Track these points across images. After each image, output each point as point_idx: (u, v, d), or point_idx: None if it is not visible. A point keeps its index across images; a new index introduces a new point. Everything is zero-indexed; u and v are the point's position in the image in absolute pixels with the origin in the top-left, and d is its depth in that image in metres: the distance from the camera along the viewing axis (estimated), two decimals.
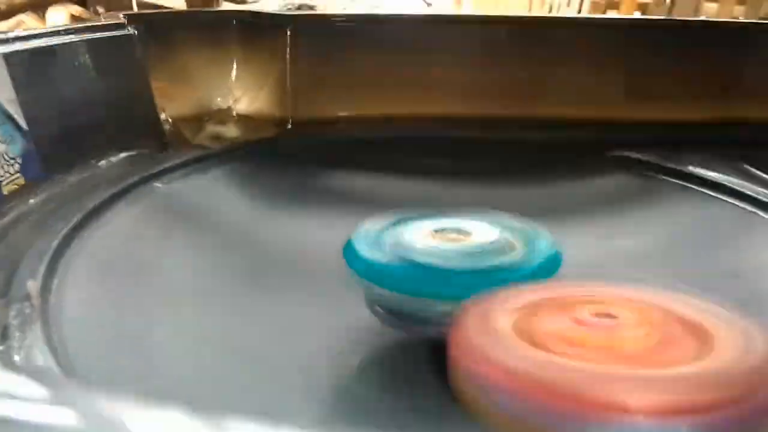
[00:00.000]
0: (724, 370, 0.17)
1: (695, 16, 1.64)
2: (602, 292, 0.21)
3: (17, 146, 0.40)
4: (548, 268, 0.28)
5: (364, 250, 0.28)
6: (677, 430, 0.16)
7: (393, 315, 0.29)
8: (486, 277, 0.27)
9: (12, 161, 0.40)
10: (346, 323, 0.34)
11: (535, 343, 0.19)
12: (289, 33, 0.56)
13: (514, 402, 0.17)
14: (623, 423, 0.16)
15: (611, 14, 1.77)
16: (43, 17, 1.21)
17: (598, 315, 0.20)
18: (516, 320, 0.20)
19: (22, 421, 0.12)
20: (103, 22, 0.52)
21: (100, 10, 1.14)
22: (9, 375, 0.15)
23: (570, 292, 0.22)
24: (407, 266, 0.27)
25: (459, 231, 0.30)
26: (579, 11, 1.82)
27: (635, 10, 1.76)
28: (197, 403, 0.27)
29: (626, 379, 0.17)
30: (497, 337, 0.19)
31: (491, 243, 0.29)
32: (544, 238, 0.29)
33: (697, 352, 0.18)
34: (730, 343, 0.18)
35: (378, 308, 0.30)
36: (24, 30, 0.44)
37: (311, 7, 0.90)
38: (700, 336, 0.19)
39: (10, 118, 0.40)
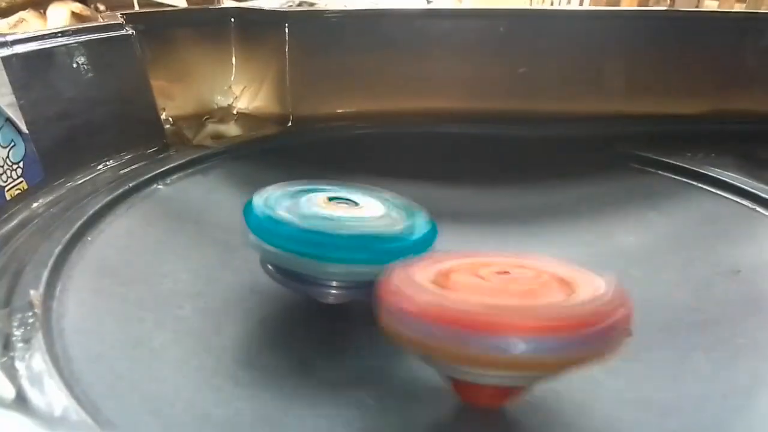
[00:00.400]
0: (582, 305, 0.23)
1: None
2: (500, 259, 0.27)
3: (19, 151, 0.40)
4: (424, 242, 0.31)
5: (261, 209, 0.31)
6: (551, 344, 0.22)
7: (283, 274, 0.32)
8: (368, 244, 0.30)
9: (15, 166, 0.40)
10: (348, 323, 0.34)
11: (445, 289, 0.24)
12: (287, 29, 0.56)
13: (421, 327, 0.23)
14: (509, 339, 0.22)
15: None
16: (44, 15, 1.20)
17: (497, 273, 0.26)
18: (433, 275, 0.25)
19: None
20: (101, 22, 0.51)
21: (101, 7, 1.14)
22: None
23: (478, 259, 0.27)
24: (296, 228, 0.29)
25: (350, 202, 0.32)
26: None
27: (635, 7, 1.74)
28: (196, 408, 0.27)
29: (512, 308, 0.23)
30: (415, 283, 0.24)
31: (377, 216, 0.32)
32: (422, 216, 0.33)
33: (564, 294, 0.24)
34: (587, 290, 0.24)
35: (269, 266, 0.32)
36: (22, 32, 0.44)
37: (312, 4, 0.90)
38: (568, 285, 0.25)
39: (11, 123, 0.40)
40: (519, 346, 0.22)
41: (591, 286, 0.24)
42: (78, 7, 1.17)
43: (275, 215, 0.30)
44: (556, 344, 0.22)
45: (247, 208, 0.31)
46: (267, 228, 0.30)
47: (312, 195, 0.32)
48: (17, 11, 1.18)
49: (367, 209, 0.32)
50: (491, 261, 0.27)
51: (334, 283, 0.31)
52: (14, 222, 0.38)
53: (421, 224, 0.32)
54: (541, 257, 0.27)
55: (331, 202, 0.32)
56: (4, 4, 1.18)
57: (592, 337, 0.22)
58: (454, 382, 0.26)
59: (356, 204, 0.32)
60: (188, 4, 1.02)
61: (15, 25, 1.14)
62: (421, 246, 0.31)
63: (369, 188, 0.35)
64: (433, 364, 0.25)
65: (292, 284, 0.32)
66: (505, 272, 0.26)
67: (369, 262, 0.29)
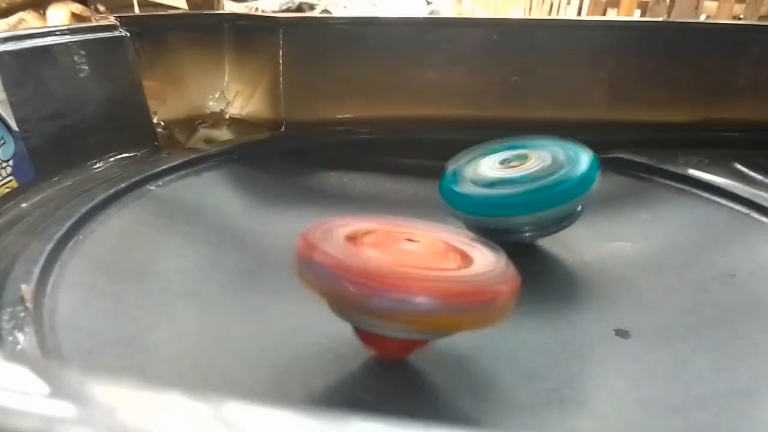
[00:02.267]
0: (476, 276, 0.26)
1: (695, 14, 1.63)
2: (410, 228, 0.30)
3: (9, 149, 0.40)
4: (584, 180, 0.37)
5: (452, 183, 0.39)
6: (447, 306, 0.25)
7: (481, 230, 0.38)
8: (538, 194, 0.36)
9: (4, 164, 0.40)
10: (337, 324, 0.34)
11: (356, 246, 0.27)
12: (282, 35, 0.56)
13: (332, 278, 0.25)
14: (410, 298, 0.24)
15: (611, 13, 1.76)
16: (43, 15, 1.20)
17: (405, 239, 0.29)
18: (349, 234, 0.28)
19: (20, 410, 0.12)
20: (96, 23, 0.51)
21: (101, 8, 1.14)
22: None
23: (391, 227, 0.30)
24: (480, 197, 0.37)
25: (520, 158, 0.39)
26: (579, 9, 1.81)
27: (635, 8, 1.75)
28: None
29: (414, 271, 0.25)
30: (331, 239, 0.27)
31: (545, 166, 0.37)
32: (585, 155, 0.38)
33: (460, 265, 0.27)
34: (481, 262, 0.28)
35: (469, 222, 0.39)
36: (15, 30, 0.44)
37: (312, 6, 0.90)
38: (465, 257, 0.28)
39: (1, 120, 0.40)
40: (418, 305, 0.24)
41: (485, 260, 0.28)
42: (78, 8, 1.17)
43: (463, 189, 0.38)
44: (451, 307, 0.25)
45: (442, 185, 0.40)
46: (457, 200, 0.38)
47: (487, 160, 0.40)
48: (17, 11, 1.18)
49: (534, 161, 0.38)
50: (402, 229, 0.30)
51: (526, 228, 0.39)
52: (3, 220, 0.37)
53: (582, 162, 0.37)
54: (446, 229, 0.31)
55: (504, 164, 0.39)
56: (4, 5, 1.18)
57: (482, 304, 0.26)
58: (361, 335, 0.28)
59: (525, 158, 0.38)
60: (188, 6, 1.02)
61: (15, 26, 1.14)
62: (583, 184, 0.37)
63: (541, 138, 0.41)
64: (342, 315, 0.27)
65: (491, 236, 0.36)
66: (412, 240, 0.29)
67: (545, 207, 0.37)
